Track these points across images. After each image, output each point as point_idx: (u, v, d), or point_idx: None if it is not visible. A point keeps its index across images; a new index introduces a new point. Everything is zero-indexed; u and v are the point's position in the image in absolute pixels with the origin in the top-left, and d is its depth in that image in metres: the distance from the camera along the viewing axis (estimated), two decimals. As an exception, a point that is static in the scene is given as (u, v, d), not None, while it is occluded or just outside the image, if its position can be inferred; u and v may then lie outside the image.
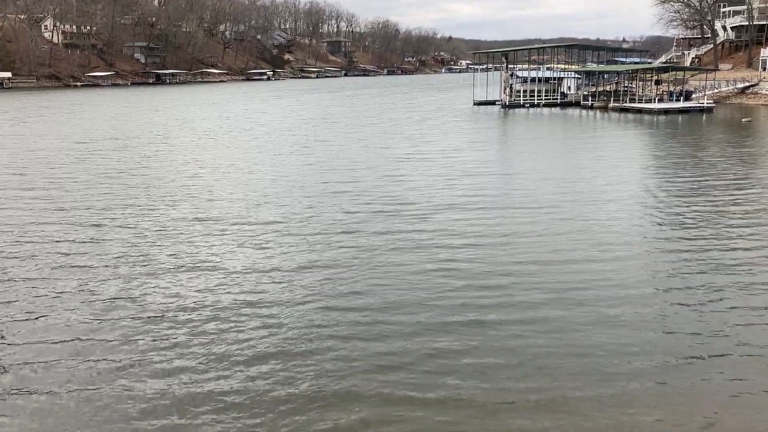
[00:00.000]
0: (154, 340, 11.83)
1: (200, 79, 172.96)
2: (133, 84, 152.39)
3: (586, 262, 15.90)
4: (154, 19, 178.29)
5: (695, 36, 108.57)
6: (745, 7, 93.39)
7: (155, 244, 17.97)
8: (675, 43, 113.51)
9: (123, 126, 54.35)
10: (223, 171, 30.35)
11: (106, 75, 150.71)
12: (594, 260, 16.04)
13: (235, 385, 10.26)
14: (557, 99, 77.31)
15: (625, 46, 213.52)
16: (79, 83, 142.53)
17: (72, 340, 11.96)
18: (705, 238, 18.04)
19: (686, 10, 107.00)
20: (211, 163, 33.15)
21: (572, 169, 29.35)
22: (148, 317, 12.92)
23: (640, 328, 12.20)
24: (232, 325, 12.46)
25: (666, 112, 62.65)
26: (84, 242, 18.29)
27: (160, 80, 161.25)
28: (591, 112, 66.47)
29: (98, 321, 12.80)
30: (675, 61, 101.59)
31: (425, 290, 14.09)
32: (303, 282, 14.61)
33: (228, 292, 14.11)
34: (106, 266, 16.07)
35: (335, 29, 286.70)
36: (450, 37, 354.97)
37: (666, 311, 13.03)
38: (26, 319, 12.90)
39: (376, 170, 29.30)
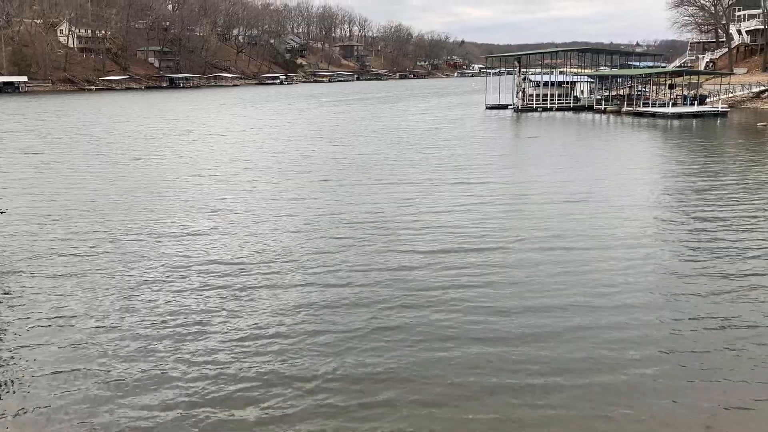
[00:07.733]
0: (161, 357, 11.64)
1: (213, 83, 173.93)
2: (147, 88, 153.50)
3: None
4: (168, 23, 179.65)
5: (710, 40, 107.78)
6: (760, 11, 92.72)
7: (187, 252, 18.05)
8: (689, 47, 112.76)
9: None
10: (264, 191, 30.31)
11: (121, 79, 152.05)
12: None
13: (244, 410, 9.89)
14: (570, 103, 77.05)
15: (638, 50, 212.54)
16: (93, 87, 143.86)
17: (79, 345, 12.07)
18: (733, 251, 17.59)
19: (701, 14, 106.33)
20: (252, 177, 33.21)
21: (594, 182, 27.80)
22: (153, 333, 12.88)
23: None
24: (250, 348, 12.02)
25: (680, 116, 62.15)
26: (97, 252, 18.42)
27: (173, 84, 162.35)
28: (604, 117, 65.96)
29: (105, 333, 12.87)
30: (689, 65, 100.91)
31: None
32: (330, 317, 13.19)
33: (254, 310, 13.57)
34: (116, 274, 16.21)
35: (348, 33, 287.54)
36: (462, 41, 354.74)
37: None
38: (32, 325, 13.01)
39: (395, 195, 25.64)
